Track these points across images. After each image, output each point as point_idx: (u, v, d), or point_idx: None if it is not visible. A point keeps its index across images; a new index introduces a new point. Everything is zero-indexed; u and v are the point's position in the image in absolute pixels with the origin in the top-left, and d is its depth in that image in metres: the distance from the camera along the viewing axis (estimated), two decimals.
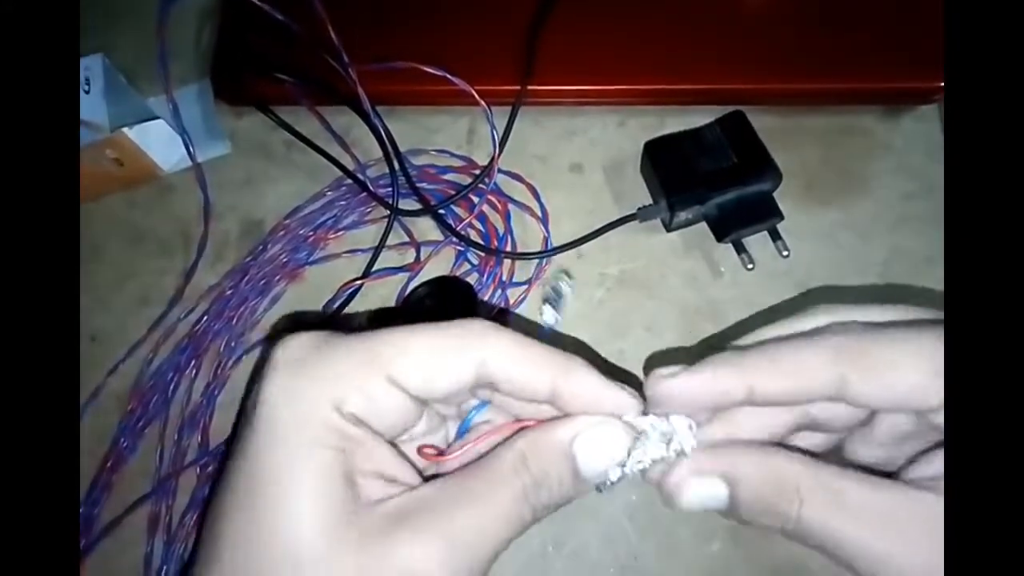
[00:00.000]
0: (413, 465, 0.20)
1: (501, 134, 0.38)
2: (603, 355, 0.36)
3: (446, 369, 0.19)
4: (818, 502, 0.19)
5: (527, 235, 0.38)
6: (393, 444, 0.20)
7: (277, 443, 0.18)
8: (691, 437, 0.20)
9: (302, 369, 0.19)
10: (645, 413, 0.21)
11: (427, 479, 0.20)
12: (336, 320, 0.37)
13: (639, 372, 0.35)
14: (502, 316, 0.36)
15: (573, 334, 0.36)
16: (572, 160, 0.40)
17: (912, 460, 0.20)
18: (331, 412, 0.18)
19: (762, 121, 0.38)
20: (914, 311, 0.20)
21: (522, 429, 0.20)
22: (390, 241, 0.38)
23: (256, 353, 0.36)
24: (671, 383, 0.20)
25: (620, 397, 0.20)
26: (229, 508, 0.18)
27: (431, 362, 0.19)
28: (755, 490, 0.20)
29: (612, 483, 0.20)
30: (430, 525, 0.18)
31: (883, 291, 0.36)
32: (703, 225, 0.37)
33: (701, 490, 0.20)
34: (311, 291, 0.38)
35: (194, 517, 0.33)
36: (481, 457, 0.20)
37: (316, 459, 0.18)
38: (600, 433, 0.20)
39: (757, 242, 0.37)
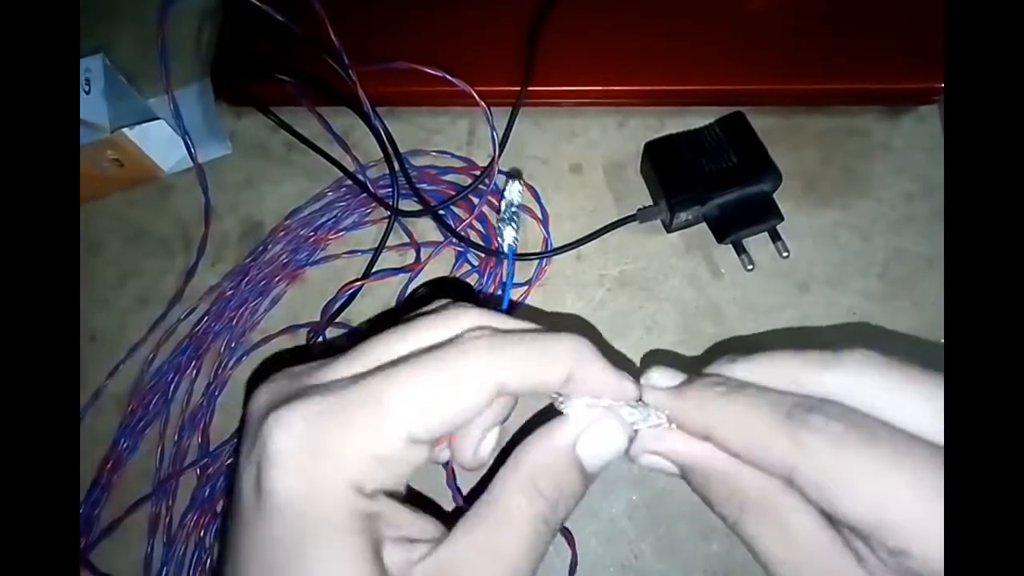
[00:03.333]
0: (429, 511, 0.20)
1: (501, 135, 0.38)
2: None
3: (465, 407, 0.18)
4: (754, 519, 0.19)
5: (527, 236, 0.38)
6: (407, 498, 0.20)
7: (299, 537, 0.17)
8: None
9: (313, 451, 0.17)
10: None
11: (445, 514, 0.20)
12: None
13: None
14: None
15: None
16: (572, 161, 0.40)
17: None
18: (354, 496, 0.17)
19: (762, 122, 0.38)
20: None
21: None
22: (390, 242, 0.38)
23: (255, 356, 0.36)
24: (660, 398, 0.20)
25: (626, 387, 0.20)
26: None
27: (449, 405, 0.18)
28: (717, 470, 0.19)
29: None
30: None
31: (883, 292, 0.36)
32: (703, 226, 0.37)
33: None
34: (311, 292, 0.38)
35: (194, 518, 0.33)
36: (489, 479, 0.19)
37: (345, 548, 0.17)
38: (602, 430, 0.20)
39: (757, 243, 0.37)
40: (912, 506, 0.15)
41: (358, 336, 0.35)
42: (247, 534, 0.17)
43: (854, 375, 0.18)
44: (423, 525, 0.19)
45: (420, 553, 0.18)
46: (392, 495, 0.19)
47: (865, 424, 0.17)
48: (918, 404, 0.17)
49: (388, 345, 0.19)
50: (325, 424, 0.17)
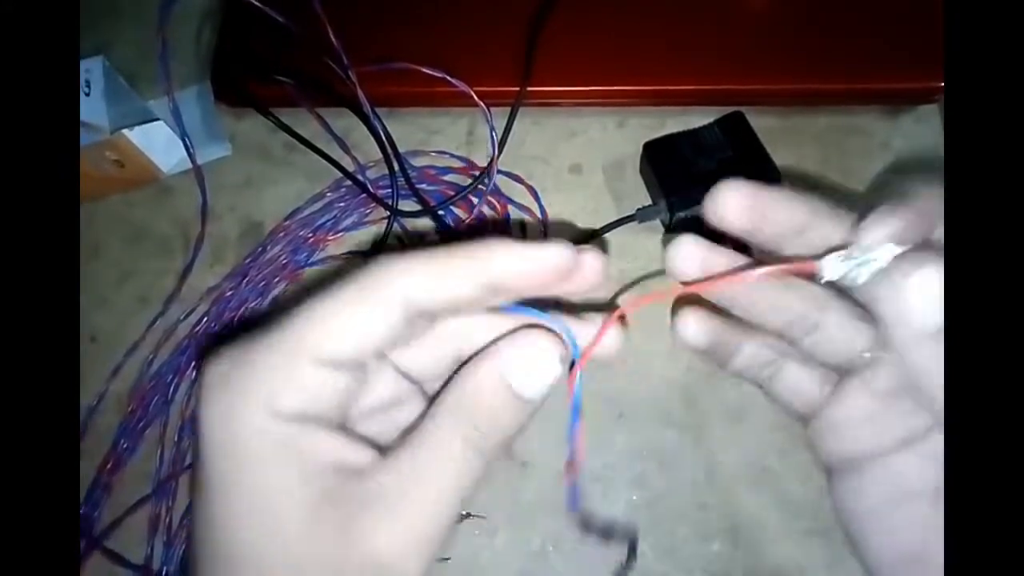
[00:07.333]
0: (368, 441, 0.20)
1: (500, 135, 0.38)
2: None
3: (372, 326, 0.18)
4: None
5: (527, 236, 0.38)
6: (343, 426, 0.20)
7: (226, 471, 0.18)
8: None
9: (229, 384, 0.18)
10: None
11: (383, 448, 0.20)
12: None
13: (637, 370, 0.35)
14: None
15: None
16: (572, 161, 0.40)
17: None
18: (273, 422, 0.18)
19: (762, 121, 0.37)
20: None
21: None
22: (390, 242, 0.38)
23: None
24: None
25: (549, 254, 0.19)
26: (203, 538, 0.18)
27: (356, 323, 0.18)
28: None
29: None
30: (389, 515, 0.18)
31: None
32: None
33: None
34: None
35: None
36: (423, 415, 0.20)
37: (269, 476, 0.18)
38: (530, 359, 0.19)
39: None
40: None
41: None
42: (194, 471, 0.19)
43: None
44: (360, 452, 0.19)
45: (357, 480, 0.19)
46: (329, 425, 0.19)
47: None
48: None
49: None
50: (245, 358, 0.18)
